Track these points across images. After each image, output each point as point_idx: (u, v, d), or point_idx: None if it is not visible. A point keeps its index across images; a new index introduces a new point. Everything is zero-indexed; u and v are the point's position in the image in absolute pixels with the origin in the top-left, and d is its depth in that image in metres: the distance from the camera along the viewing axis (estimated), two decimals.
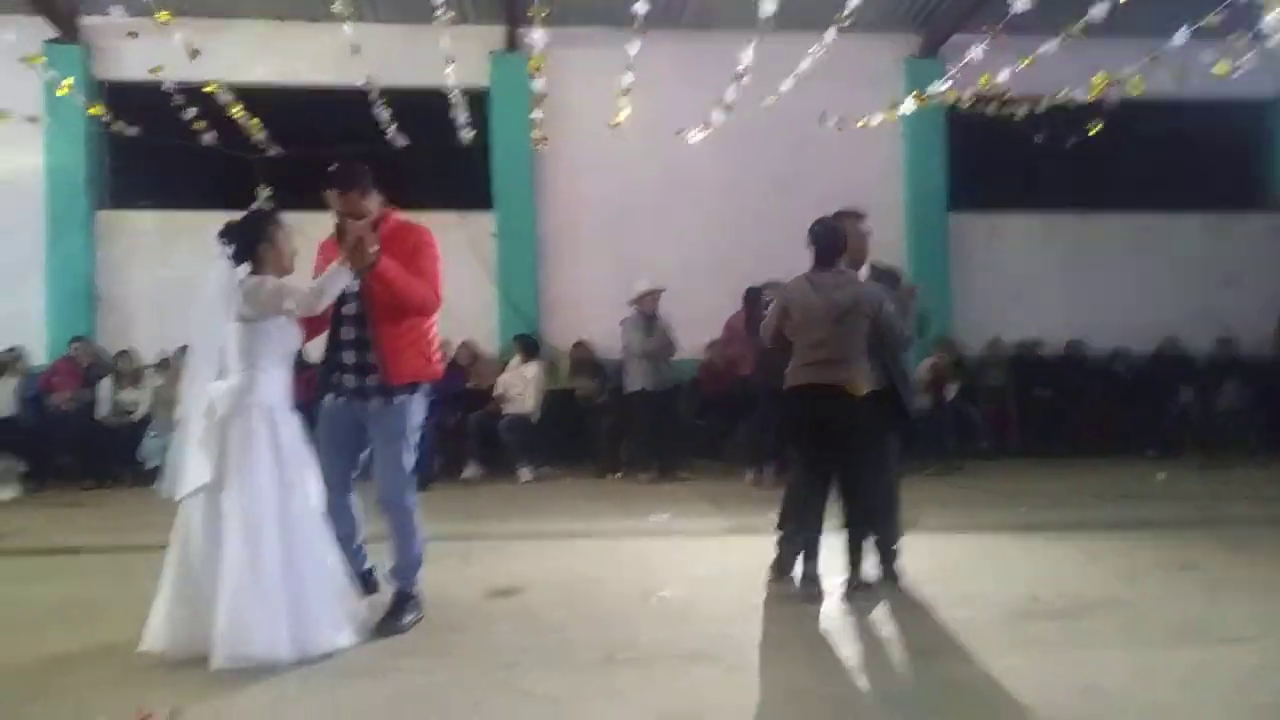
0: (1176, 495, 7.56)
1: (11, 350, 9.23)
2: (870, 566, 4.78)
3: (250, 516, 3.69)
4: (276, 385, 3.93)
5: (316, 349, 4.40)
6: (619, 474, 8.95)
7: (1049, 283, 11.25)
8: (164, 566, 3.79)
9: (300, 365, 4.16)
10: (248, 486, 3.73)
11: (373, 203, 4.23)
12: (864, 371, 4.66)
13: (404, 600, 4.23)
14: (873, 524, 4.77)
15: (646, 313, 9.10)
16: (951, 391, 9.71)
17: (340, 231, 4.14)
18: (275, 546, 3.71)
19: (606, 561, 5.52)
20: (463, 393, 9.36)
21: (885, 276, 5.05)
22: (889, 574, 4.89)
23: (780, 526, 4.95)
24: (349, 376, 4.19)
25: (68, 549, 5.95)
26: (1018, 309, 11.10)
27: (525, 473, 8.86)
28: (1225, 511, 6.84)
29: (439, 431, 8.77)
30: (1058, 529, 6.31)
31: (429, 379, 4.29)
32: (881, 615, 4.35)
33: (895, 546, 4.93)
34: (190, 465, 3.73)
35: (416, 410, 4.25)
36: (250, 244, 3.94)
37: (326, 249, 4.28)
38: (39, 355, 9.80)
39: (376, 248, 3.97)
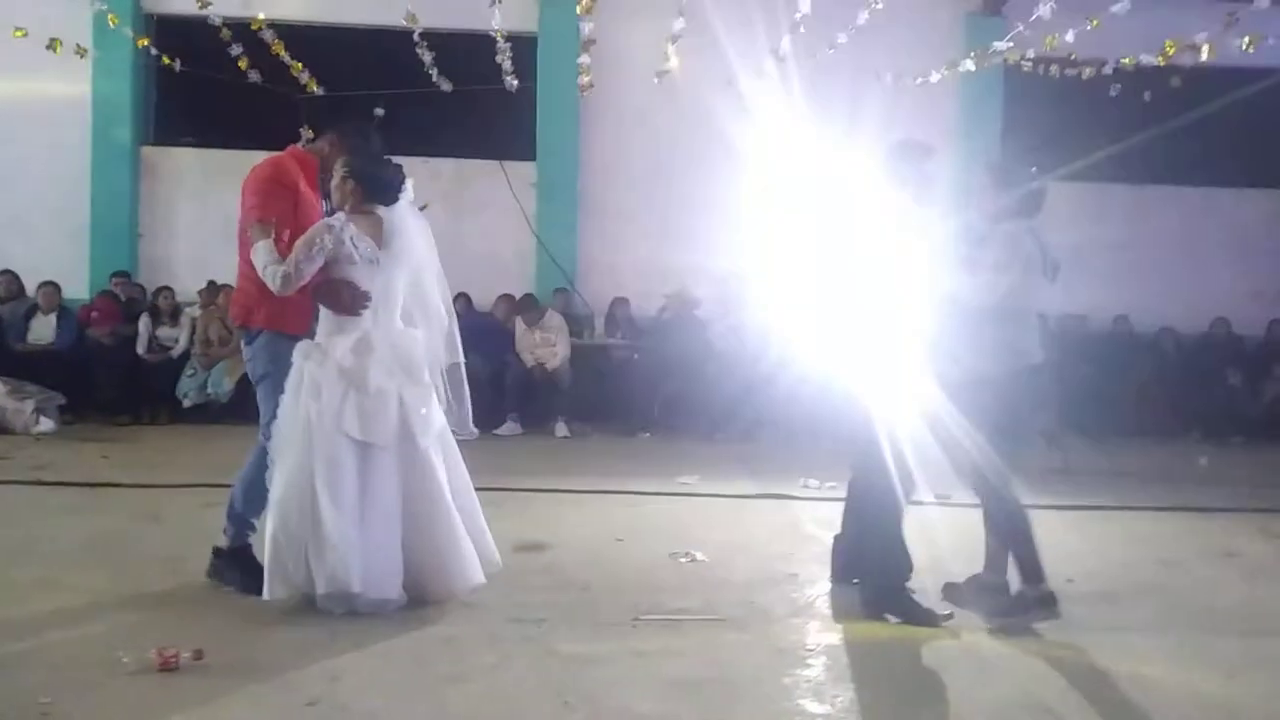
0: (1220, 480, 7.37)
1: (50, 284, 9.25)
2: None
3: (449, 458, 3.97)
4: None
5: None
6: (649, 433, 8.90)
7: (1098, 256, 10.82)
8: (336, 511, 3.58)
9: None
10: (445, 432, 4.02)
11: None
12: None
13: None
14: None
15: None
16: None
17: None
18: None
19: (635, 521, 5.47)
20: (500, 346, 9.26)
21: None
22: None
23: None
24: None
25: (101, 484, 5.98)
26: (1063, 282, 10.78)
27: (561, 428, 8.82)
28: (1269, 499, 6.65)
29: (471, 383, 8.69)
30: (1096, 509, 6.15)
31: None
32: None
33: None
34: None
35: None
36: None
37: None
38: (80, 289, 9.85)
39: None
